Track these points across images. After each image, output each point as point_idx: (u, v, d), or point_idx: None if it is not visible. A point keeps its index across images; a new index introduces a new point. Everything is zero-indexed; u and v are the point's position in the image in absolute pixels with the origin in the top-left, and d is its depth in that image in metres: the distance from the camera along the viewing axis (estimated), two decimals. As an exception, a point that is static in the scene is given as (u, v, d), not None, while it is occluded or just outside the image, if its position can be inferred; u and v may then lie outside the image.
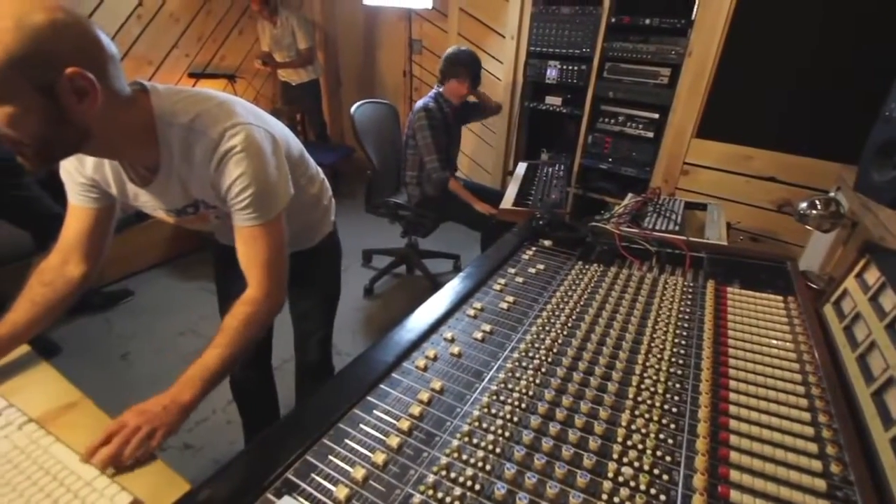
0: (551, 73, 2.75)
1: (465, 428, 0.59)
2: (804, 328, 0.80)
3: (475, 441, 0.57)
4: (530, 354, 0.73)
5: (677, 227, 1.39)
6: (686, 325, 0.81)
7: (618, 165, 2.69)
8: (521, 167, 2.48)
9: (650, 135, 2.54)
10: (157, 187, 0.82)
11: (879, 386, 0.65)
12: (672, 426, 0.60)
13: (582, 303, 0.87)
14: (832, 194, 1.64)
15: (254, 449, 0.61)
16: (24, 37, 0.56)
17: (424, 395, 0.64)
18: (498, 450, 0.56)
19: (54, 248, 0.88)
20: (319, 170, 1.14)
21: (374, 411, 0.62)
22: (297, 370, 1.35)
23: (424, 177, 2.30)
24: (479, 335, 0.77)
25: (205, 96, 0.80)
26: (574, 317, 0.83)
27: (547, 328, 0.79)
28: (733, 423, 0.60)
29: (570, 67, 2.67)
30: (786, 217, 2.25)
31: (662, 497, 0.50)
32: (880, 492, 0.53)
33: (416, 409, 0.61)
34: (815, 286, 1.32)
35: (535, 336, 0.77)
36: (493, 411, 0.61)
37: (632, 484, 0.52)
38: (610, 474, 0.52)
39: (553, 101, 2.86)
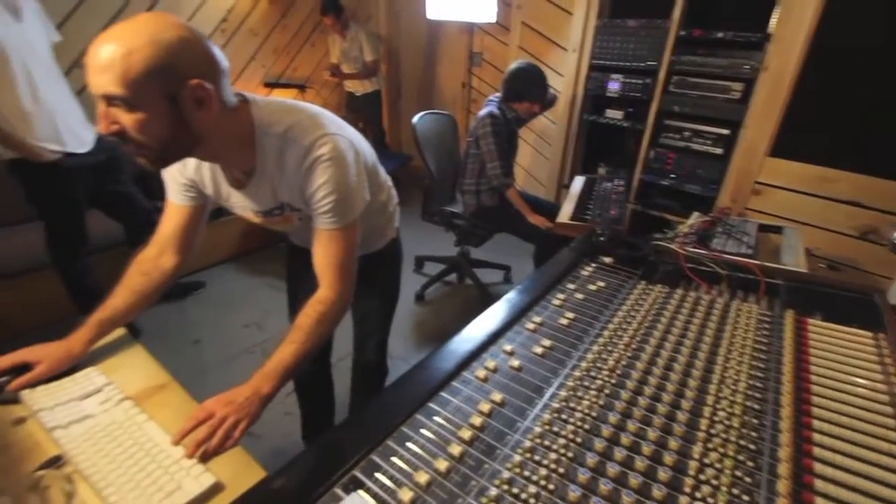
0: (613, 87, 2.70)
1: (527, 444, 0.59)
2: (897, 368, 0.73)
3: (537, 458, 0.57)
4: (592, 374, 0.71)
5: (750, 251, 1.31)
6: (763, 356, 0.76)
7: (681, 182, 2.58)
8: (578, 181, 2.42)
9: (719, 151, 2.42)
10: (250, 190, 0.89)
11: None
12: (750, 463, 0.56)
13: (647, 324, 0.85)
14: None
15: (321, 445, 0.64)
16: (158, 51, 0.64)
17: (485, 407, 0.64)
18: (561, 470, 0.55)
19: (151, 240, 0.97)
20: (388, 177, 1.19)
21: (435, 418, 0.63)
22: (353, 368, 1.40)
23: (483, 186, 2.32)
24: (538, 350, 0.77)
25: (297, 108, 0.86)
26: (638, 338, 0.81)
27: (609, 348, 0.78)
28: (818, 467, 0.56)
29: (634, 81, 2.61)
30: (869, 245, 2.07)
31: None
32: None
33: (476, 420, 0.62)
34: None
35: (596, 355, 0.76)
36: (556, 429, 0.61)
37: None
38: (680, 507, 0.50)
39: (614, 114, 2.79)
